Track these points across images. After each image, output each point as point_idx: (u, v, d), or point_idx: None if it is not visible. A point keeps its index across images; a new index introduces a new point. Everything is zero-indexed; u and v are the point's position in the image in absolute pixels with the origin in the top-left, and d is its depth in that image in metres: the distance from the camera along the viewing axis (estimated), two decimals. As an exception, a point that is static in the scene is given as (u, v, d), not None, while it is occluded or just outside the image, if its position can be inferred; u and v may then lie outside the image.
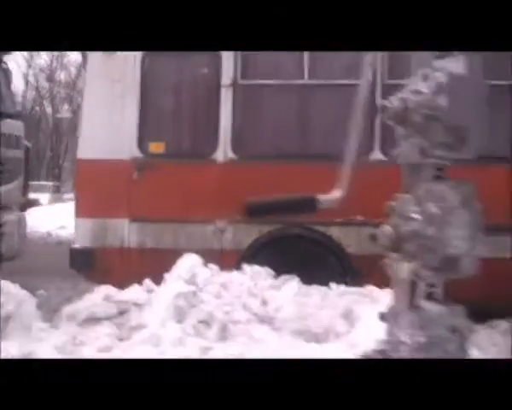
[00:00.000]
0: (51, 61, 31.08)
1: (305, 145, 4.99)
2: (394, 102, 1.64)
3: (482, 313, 4.82)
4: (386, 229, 1.66)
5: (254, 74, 5.09)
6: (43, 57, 30.01)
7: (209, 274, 4.27)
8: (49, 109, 31.79)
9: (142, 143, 5.01)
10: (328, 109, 4.85)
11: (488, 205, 4.76)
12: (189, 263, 4.29)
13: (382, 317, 1.86)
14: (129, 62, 5.00)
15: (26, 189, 7.19)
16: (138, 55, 5.01)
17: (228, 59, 4.97)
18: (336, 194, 1.81)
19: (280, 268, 4.44)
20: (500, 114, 4.85)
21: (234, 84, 4.96)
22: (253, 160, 4.94)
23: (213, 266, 4.37)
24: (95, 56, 5.08)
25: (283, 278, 4.31)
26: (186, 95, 5.19)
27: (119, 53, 4.97)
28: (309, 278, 4.33)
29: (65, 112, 33.40)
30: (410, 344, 1.72)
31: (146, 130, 5.04)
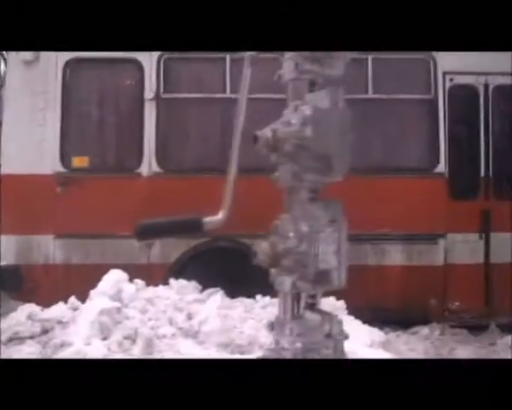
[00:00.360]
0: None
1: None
2: (266, 132, 1.85)
3: (403, 320, 5.21)
4: (264, 246, 1.87)
5: (177, 88, 5.24)
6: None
7: (135, 289, 4.38)
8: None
9: (64, 157, 5.05)
10: (249, 123, 5.07)
11: (407, 214, 5.18)
12: (114, 279, 4.39)
13: (270, 326, 2.06)
14: (50, 74, 5.04)
15: None
16: (60, 65, 5.04)
17: (151, 72, 5.11)
18: (220, 215, 2.00)
19: (207, 281, 4.60)
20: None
21: (157, 98, 5.10)
22: (177, 173, 5.09)
23: (139, 282, 4.48)
24: (15, 67, 5.08)
25: (208, 291, 4.48)
26: (110, 108, 5.28)
27: (40, 63, 5.00)
28: (235, 290, 4.52)
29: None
30: (290, 350, 1.93)
31: (69, 144, 5.09)
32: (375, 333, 4.57)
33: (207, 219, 2.00)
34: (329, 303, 4.37)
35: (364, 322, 4.56)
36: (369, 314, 4.64)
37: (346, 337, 1.93)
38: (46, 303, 4.47)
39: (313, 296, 1.98)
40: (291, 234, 1.83)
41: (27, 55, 4.94)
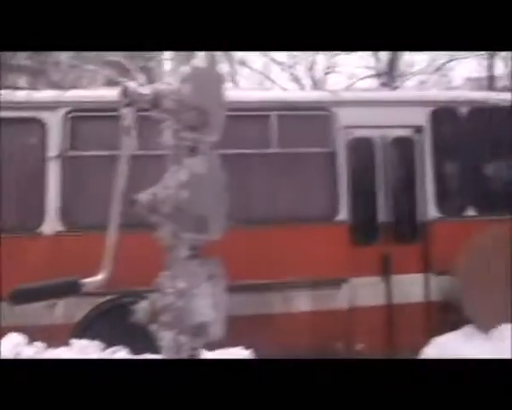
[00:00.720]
0: None
1: (132, 214, 5.30)
2: (145, 195, 2.02)
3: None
4: (143, 303, 2.01)
5: (83, 146, 5.32)
6: None
7: (34, 352, 4.31)
8: None
9: None
10: (154, 179, 5.23)
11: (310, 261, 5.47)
12: (13, 342, 4.31)
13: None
14: None
15: None
16: None
17: (55, 130, 5.17)
18: (100, 276, 2.12)
19: (112, 339, 4.60)
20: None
21: (61, 156, 5.15)
22: (81, 231, 5.11)
23: (39, 344, 4.41)
24: None
25: (111, 349, 4.48)
26: (12, 166, 5.25)
27: None
28: (140, 347, 4.53)
29: None
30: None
31: None
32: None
33: (87, 281, 2.11)
34: (238, 353, 4.51)
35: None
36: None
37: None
38: None
39: (194, 349, 2.13)
40: (170, 290, 1.98)
41: None
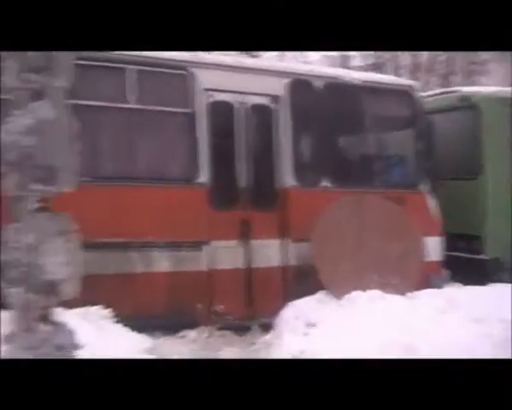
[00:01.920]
0: None
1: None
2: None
3: (172, 325, 5.43)
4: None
5: None
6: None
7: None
8: None
9: None
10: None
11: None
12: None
13: (7, 339, 2.04)
14: None
15: None
16: None
17: None
18: None
19: None
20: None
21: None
22: None
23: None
24: None
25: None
26: None
27: None
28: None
29: None
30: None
31: None
32: (143, 339, 4.72)
33: None
34: (96, 312, 4.40)
35: (133, 329, 4.69)
36: (138, 321, 4.78)
37: (77, 348, 2.01)
38: None
39: (46, 308, 2.03)
40: (16, 244, 1.85)
41: None
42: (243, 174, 6.01)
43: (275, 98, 6.12)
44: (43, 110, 1.90)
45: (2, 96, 2.07)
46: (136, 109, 5.44)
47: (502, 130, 7.23)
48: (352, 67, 14.99)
